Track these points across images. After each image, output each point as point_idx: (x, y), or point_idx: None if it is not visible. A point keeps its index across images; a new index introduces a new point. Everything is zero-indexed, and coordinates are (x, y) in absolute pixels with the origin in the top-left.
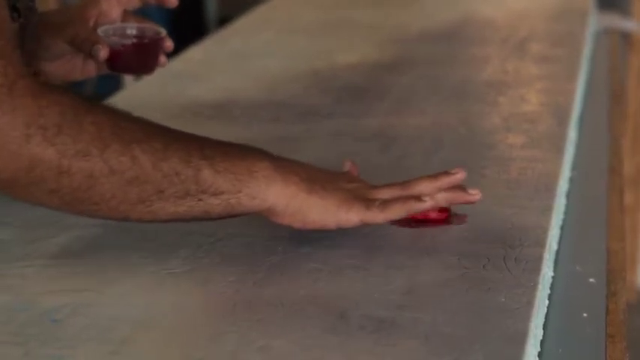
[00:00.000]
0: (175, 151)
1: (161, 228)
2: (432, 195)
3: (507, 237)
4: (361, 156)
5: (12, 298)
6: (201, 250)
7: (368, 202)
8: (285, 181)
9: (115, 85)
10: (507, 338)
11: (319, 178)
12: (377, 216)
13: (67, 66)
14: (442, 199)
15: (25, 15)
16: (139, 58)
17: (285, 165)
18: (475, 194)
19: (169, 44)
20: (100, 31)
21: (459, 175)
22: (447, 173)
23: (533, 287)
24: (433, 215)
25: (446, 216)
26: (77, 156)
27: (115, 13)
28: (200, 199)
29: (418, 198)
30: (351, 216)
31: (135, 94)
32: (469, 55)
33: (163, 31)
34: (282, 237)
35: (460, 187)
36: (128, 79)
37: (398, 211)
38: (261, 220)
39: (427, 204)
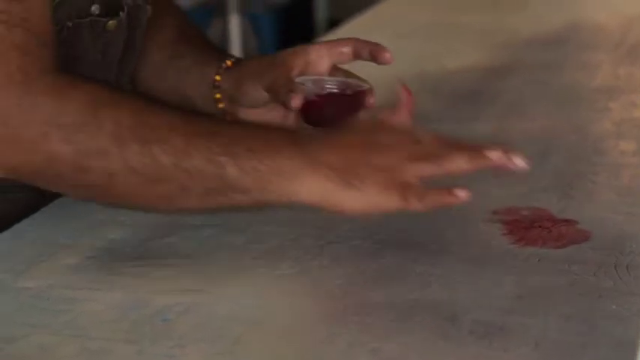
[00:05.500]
0: (198, 149)
1: (270, 231)
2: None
3: (618, 244)
4: None
5: (125, 296)
6: (310, 252)
7: (405, 190)
8: (317, 177)
9: None
10: (618, 346)
11: (353, 162)
12: (415, 206)
13: (267, 117)
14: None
15: (133, 13)
16: (334, 111)
17: (314, 153)
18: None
19: (372, 101)
20: (298, 79)
21: (494, 154)
22: (484, 155)
23: None
24: None
25: None
26: (96, 155)
27: (324, 65)
28: (226, 195)
29: (452, 193)
30: (390, 205)
31: None
32: (580, 61)
33: (367, 85)
34: (390, 240)
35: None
36: None
37: (434, 204)
38: (370, 223)
39: (462, 198)
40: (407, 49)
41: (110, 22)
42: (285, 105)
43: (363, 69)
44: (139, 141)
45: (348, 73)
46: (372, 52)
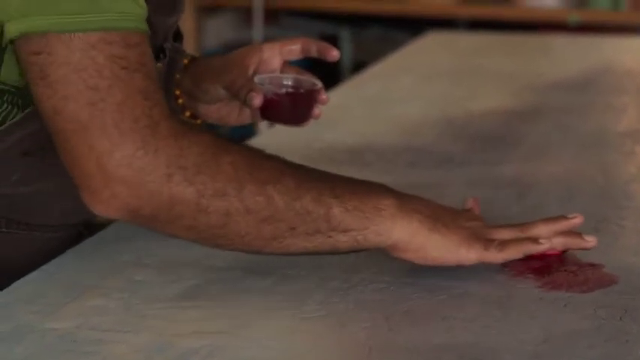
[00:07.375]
0: (307, 190)
1: (296, 273)
2: (549, 238)
3: None
4: (496, 204)
5: (150, 338)
6: (335, 295)
7: (487, 243)
8: (409, 219)
9: (249, 130)
10: None
11: (441, 215)
12: (495, 256)
13: (223, 111)
14: (558, 243)
15: (171, 56)
16: (291, 109)
17: (408, 202)
18: (591, 241)
19: (324, 97)
20: (256, 79)
21: (577, 220)
22: (564, 217)
23: None
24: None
25: (559, 253)
26: (215, 195)
27: (276, 62)
28: (329, 236)
29: (535, 240)
30: (471, 255)
31: (270, 139)
32: (605, 104)
33: (319, 84)
34: (415, 284)
35: (576, 233)
36: (263, 123)
37: (515, 252)
38: (395, 267)
39: (544, 246)
40: (432, 92)
41: (156, 65)
42: (246, 103)
43: (401, 110)
44: (255, 182)
45: (298, 70)
46: (320, 50)
